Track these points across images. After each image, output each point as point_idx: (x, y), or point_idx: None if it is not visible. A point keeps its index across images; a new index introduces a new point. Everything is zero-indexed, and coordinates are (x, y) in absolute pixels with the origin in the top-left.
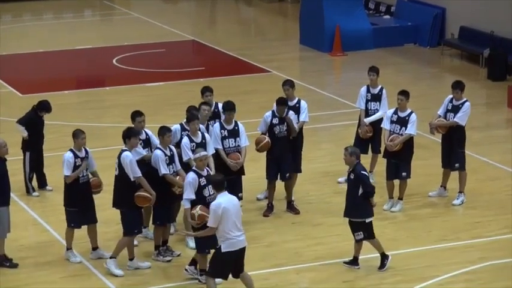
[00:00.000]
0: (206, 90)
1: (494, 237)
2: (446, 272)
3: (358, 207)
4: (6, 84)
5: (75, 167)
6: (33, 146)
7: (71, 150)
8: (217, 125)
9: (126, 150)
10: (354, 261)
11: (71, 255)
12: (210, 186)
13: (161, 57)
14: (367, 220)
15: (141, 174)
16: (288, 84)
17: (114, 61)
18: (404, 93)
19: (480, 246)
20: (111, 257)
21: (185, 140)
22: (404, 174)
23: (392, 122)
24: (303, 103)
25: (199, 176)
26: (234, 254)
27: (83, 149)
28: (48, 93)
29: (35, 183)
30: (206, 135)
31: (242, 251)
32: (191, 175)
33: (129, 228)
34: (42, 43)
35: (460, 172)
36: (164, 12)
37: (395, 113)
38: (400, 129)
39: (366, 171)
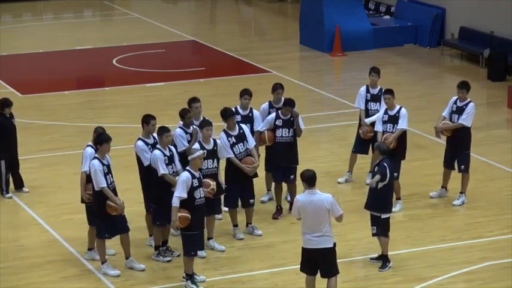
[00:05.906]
0: (245, 93)
1: (494, 237)
2: (446, 272)
3: (378, 201)
4: (6, 84)
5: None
6: (5, 150)
7: (97, 158)
8: (223, 134)
9: (95, 157)
10: (379, 258)
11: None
12: (201, 188)
13: (161, 57)
14: (383, 216)
15: (105, 185)
16: (281, 87)
17: (114, 61)
18: (390, 92)
19: (480, 247)
20: (102, 263)
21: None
22: (395, 174)
23: (384, 122)
24: None
25: (193, 176)
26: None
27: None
28: (48, 94)
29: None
30: (218, 141)
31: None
32: (185, 174)
33: (99, 232)
34: (42, 43)
35: (464, 174)
36: (164, 12)
37: (385, 113)
38: (393, 128)
39: (389, 167)
